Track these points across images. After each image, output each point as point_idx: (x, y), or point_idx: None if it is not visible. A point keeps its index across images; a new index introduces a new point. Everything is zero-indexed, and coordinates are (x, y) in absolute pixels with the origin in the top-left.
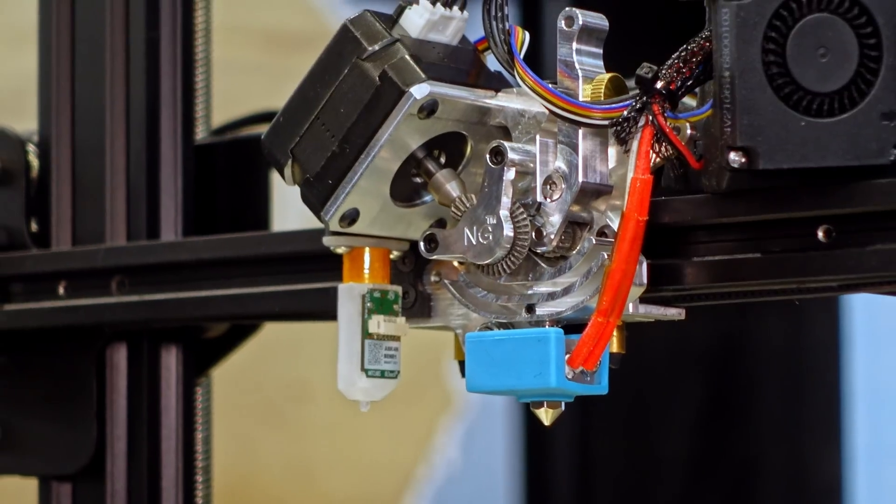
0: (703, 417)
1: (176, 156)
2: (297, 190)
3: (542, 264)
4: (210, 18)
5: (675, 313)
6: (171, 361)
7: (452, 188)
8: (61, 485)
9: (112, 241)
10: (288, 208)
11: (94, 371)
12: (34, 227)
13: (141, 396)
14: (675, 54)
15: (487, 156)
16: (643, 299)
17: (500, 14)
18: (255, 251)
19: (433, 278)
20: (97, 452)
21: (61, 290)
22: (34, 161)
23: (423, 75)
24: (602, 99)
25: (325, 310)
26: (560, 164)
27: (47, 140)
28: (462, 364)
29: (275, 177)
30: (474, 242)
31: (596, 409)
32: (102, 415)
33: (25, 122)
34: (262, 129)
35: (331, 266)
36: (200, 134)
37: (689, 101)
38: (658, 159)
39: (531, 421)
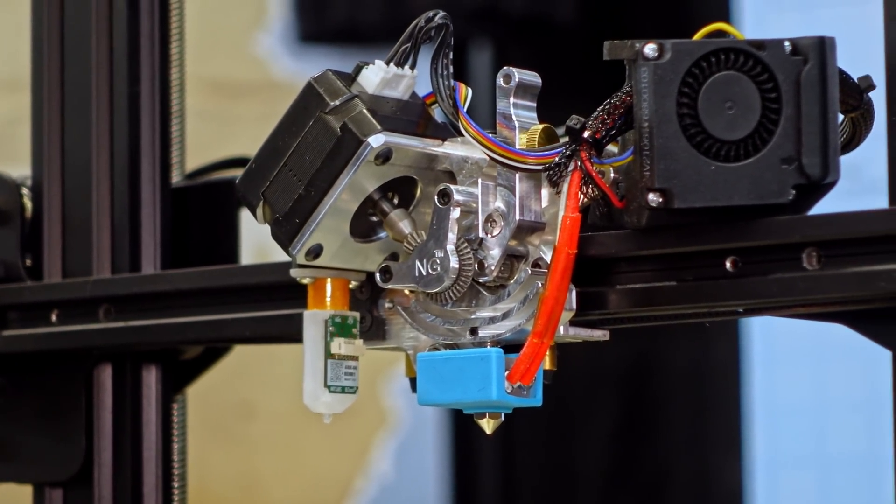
0: (616, 431)
1: (155, 197)
2: (251, 229)
3: (484, 292)
4: (184, 75)
5: (600, 335)
6: (151, 380)
7: (405, 226)
8: (53, 490)
9: (98, 274)
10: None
11: (83, 389)
12: (28, 261)
13: (125, 412)
14: (600, 107)
15: (436, 197)
16: (573, 322)
17: (445, 73)
18: (228, 282)
19: (387, 305)
20: (86, 462)
21: (53, 318)
22: (28, 203)
23: (378, 127)
24: (536, 147)
25: (291, 334)
26: (499, 204)
27: (40, 184)
28: (413, 381)
29: (243, 215)
30: (424, 273)
31: (518, 423)
32: (90, 428)
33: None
34: (231, 174)
35: (296, 295)
36: (176, 178)
37: (612, 148)
38: (585, 199)
39: (459, 436)
